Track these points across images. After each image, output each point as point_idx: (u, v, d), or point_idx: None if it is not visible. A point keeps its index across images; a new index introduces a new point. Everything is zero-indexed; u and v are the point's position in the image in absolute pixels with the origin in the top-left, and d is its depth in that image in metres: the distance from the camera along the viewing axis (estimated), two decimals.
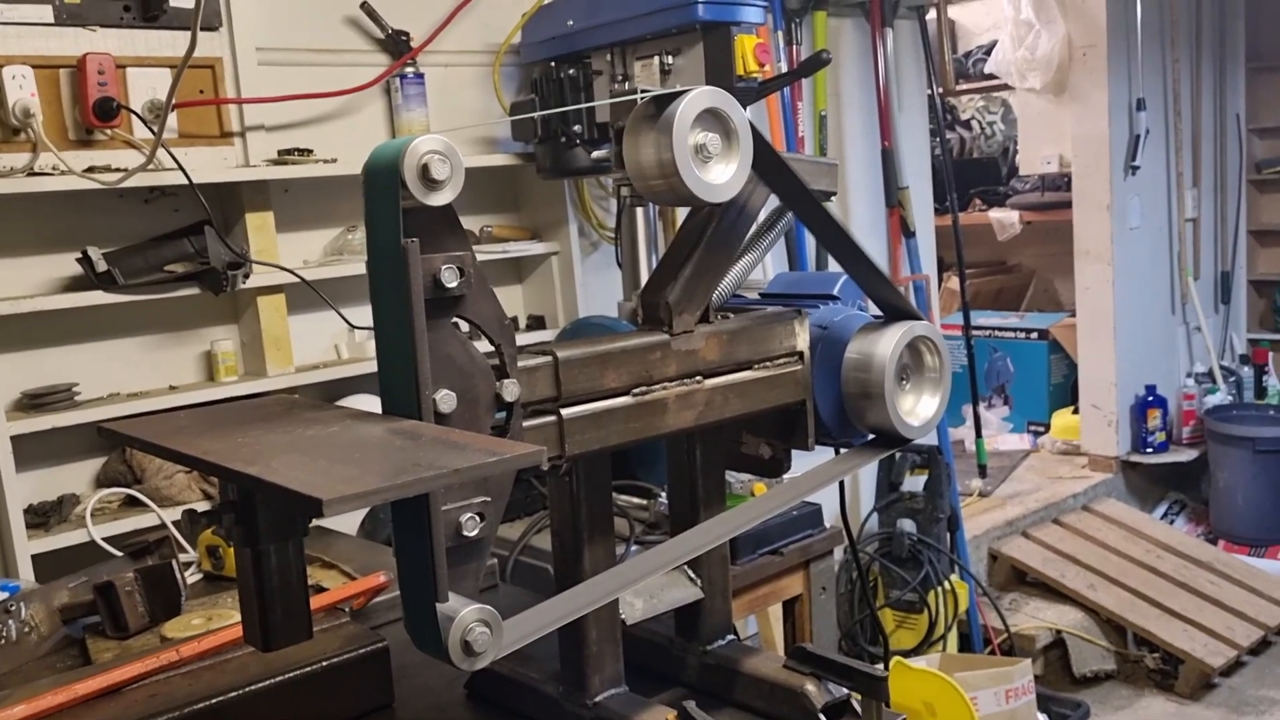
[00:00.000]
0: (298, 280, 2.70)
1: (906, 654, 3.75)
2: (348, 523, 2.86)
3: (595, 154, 1.73)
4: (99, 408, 2.49)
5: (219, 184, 2.61)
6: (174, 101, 2.50)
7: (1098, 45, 5.05)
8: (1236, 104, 5.80)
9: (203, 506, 1.04)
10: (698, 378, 1.43)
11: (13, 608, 1.90)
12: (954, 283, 5.98)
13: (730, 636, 1.61)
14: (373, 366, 2.83)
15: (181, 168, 2.35)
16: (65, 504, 2.48)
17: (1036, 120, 5.90)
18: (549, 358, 1.28)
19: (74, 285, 2.50)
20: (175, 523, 2.47)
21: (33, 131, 2.34)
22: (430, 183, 1.06)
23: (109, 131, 2.45)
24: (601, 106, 2.77)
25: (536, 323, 3.23)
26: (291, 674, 1.53)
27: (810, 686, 1.45)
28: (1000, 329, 6.04)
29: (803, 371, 1.55)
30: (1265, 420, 5.25)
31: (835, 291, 1.72)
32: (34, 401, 2.43)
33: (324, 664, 1.58)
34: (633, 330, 1.43)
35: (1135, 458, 5.28)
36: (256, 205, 2.67)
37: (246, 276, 2.58)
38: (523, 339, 3.19)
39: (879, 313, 1.66)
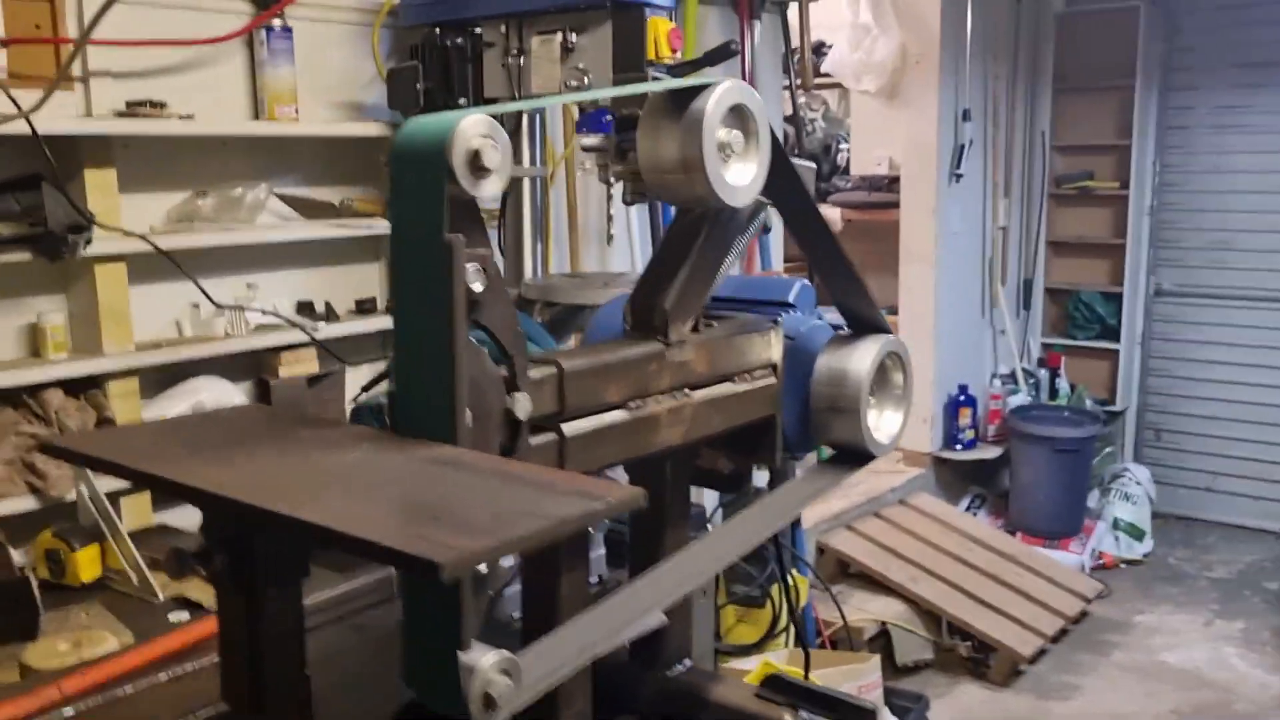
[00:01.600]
0: (140, 250, 2.41)
1: (748, 649, 3.77)
2: (188, 518, 2.59)
3: (587, 140, 1.59)
4: None
5: (55, 135, 2.28)
6: (4, 37, 2.18)
7: (930, 55, 5.22)
8: (1043, 121, 6.13)
9: (187, 539, 0.86)
10: (686, 390, 1.32)
11: None
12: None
13: (688, 661, 1.52)
14: (221, 348, 2.57)
15: (25, 115, 2.04)
16: None
17: (869, 122, 6.05)
18: (553, 369, 1.15)
19: None
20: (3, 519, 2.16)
21: None
22: (480, 171, 0.91)
23: None
24: (491, 80, 2.61)
25: None
26: (214, 713, 1.34)
27: (788, 718, 1.38)
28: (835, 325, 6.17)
29: (775, 385, 1.48)
30: (1063, 421, 5.59)
31: (791, 299, 1.65)
32: None
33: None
34: (624, 337, 1.31)
35: (946, 454, 5.52)
36: (98, 161, 2.36)
37: (88, 242, 2.27)
38: (384, 322, 2.99)
39: (837, 322, 1.61)
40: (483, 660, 0.92)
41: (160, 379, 2.59)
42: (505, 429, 1.07)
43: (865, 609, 4.45)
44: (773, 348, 1.47)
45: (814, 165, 1.61)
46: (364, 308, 2.99)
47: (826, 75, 5.84)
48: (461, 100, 2.62)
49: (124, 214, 2.44)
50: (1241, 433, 5.90)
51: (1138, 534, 5.57)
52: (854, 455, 1.53)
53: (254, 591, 0.87)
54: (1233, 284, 5.87)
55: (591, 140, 1.44)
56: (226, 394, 2.65)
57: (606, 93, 1.21)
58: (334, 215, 2.88)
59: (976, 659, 4.42)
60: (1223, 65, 5.79)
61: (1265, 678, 4.31)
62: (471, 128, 0.91)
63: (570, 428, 1.17)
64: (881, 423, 1.56)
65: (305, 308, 2.86)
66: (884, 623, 4.40)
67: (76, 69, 2.33)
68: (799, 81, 4.14)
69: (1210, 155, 5.89)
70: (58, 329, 2.38)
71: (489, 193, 0.93)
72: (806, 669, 1.90)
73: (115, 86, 2.40)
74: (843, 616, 4.17)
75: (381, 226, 2.94)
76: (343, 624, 1.90)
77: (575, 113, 2.56)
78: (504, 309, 1.07)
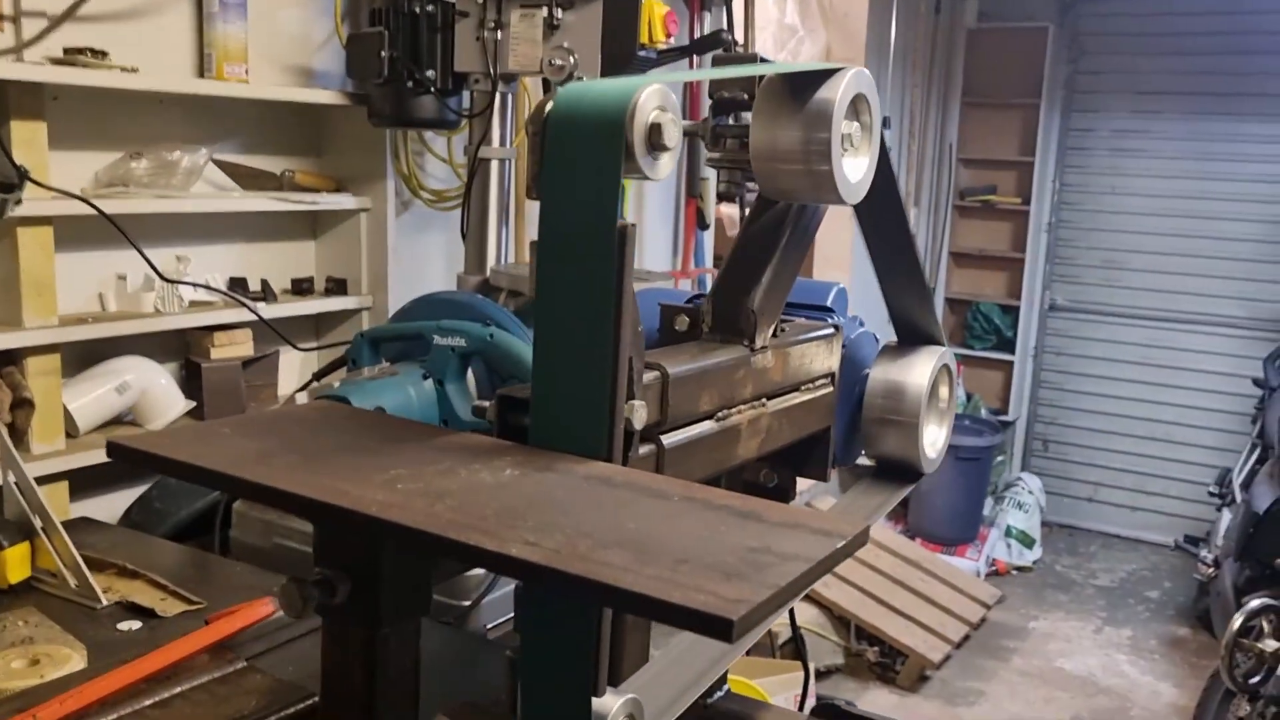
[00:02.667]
0: (68, 213, 2.18)
1: None
2: (107, 509, 2.37)
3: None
4: None
5: None
6: None
7: (856, 60, 5.23)
8: (951, 134, 6.23)
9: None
10: (763, 401, 1.23)
11: None
12: None
13: (726, 687, 1.43)
14: (152, 324, 2.35)
15: None
16: None
17: None
18: (657, 374, 1.04)
19: None
20: None
21: None
22: (658, 148, 0.80)
23: None
24: (462, 53, 2.45)
25: (338, 286, 2.83)
26: None
27: None
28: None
29: (833, 395, 1.39)
30: (965, 430, 5.69)
31: (829, 302, 1.57)
32: None
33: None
34: (711, 341, 1.20)
35: None
36: (27, 112, 2.11)
37: (19, 202, 2.04)
38: (321, 304, 2.80)
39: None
40: (611, 708, 0.81)
41: (79, 357, 2.36)
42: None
43: (779, 614, 4.43)
44: (834, 356, 1.38)
45: None
46: (301, 288, 2.79)
47: None
48: (430, 72, 2.46)
49: (51, 172, 2.20)
50: (1122, 445, 6.13)
51: (1028, 542, 5.72)
52: (900, 471, 1.46)
53: (379, 626, 0.74)
54: (1122, 302, 6.09)
55: (688, 124, 1.33)
56: (153, 375, 2.43)
57: (714, 73, 1.10)
58: (274, 187, 2.67)
59: (884, 664, 4.45)
60: (1123, 90, 5.99)
61: (1156, 685, 4.46)
62: (651, 99, 0.79)
63: (669, 439, 1.06)
64: (928, 437, 1.49)
65: (238, 284, 2.64)
66: (796, 628, 4.38)
67: (6, 6, 2.09)
68: None
69: (1108, 176, 6.09)
70: None
71: (663, 173, 0.81)
72: (806, 688, 1.82)
73: (50, 29, 2.16)
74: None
75: (328, 203, 2.75)
76: None
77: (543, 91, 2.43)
78: (631, 307, 0.95)
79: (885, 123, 4.31)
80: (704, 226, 3.87)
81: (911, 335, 1.48)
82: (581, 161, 0.79)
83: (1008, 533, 5.67)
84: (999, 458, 6.01)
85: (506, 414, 0.88)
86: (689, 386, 1.07)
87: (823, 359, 1.36)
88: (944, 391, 1.51)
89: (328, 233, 2.90)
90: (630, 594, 0.55)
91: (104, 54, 2.18)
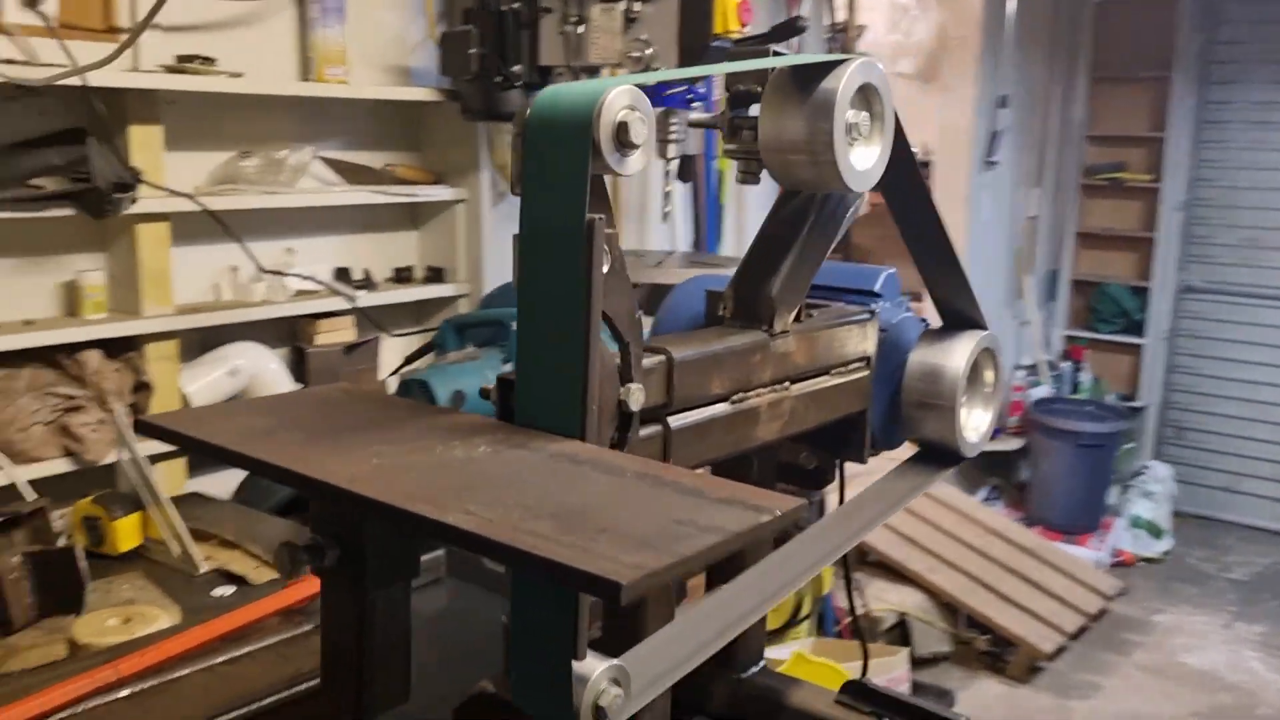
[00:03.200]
0: (183, 209, 2.34)
1: (769, 637, 3.72)
2: (222, 485, 2.54)
3: (695, 116, 1.52)
4: None
5: (102, 88, 2.21)
6: None
7: (970, 38, 5.13)
8: (1077, 110, 6.04)
9: (298, 537, 0.80)
10: (786, 384, 1.26)
11: None
12: None
13: (762, 662, 1.47)
14: (260, 313, 2.51)
15: (79, 71, 1.96)
16: None
17: (902, 105, 5.96)
18: (662, 357, 1.08)
19: None
20: (33, 483, 2.10)
21: None
22: (626, 146, 0.85)
23: None
24: (548, 48, 2.53)
25: (435, 275, 2.95)
26: (271, 700, 1.28)
27: None
28: None
29: (868, 378, 1.41)
30: (1086, 415, 5.54)
31: (878, 287, 1.59)
32: None
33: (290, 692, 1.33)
34: (731, 326, 1.24)
35: None
36: (144, 117, 2.28)
37: (134, 201, 2.20)
38: (420, 291, 2.92)
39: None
40: (596, 673, 0.86)
41: (197, 343, 2.53)
42: (616, 421, 1.01)
43: (884, 598, 4.40)
44: (868, 340, 1.40)
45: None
46: (401, 276, 2.92)
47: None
48: (516, 68, 2.55)
49: (167, 172, 2.37)
50: (1265, 434, 5.85)
51: (1156, 532, 5.53)
52: (941, 455, 1.47)
53: (365, 591, 0.82)
54: (1264, 283, 5.80)
55: (702, 116, 1.37)
56: (263, 360, 2.59)
57: (727, 67, 1.14)
58: (375, 181, 2.80)
59: (994, 653, 4.38)
60: (1264, 61, 5.70)
61: None
62: (619, 98, 0.84)
63: (676, 421, 1.10)
64: (971, 421, 1.50)
65: (342, 274, 2.79)
66: (902, 613, 4.36)
67: (125, 20, 2.26)
68: None
69: (1247, 151, 5.81)
70: (96, 288, 2.32)
71: (632, 169, 0.86)
72: (865, 667, 1.84)
73: (163, 40, 2.32)
74: (852, 605, 4.13)
75: (425, 194, 2.87)
76: None
77: None
78: (624, 294, 1.00)
79: (1002, 101, 4.23)
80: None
81: (954, 319, 1.49)
82: (553, 160, 0.85)
83: (1134, 522, 5.50)
84: (1126, 445, 5.81)
85: (505, 396, 0.95)
86: (697, 370, 1.12)
87: (855, 343, 1.38)
88: (988, 375, 1.51)
89: (427, 223, 3.02)
90: (540, 559, 0.61)
91: (212, 61, 2.33)
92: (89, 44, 2.21)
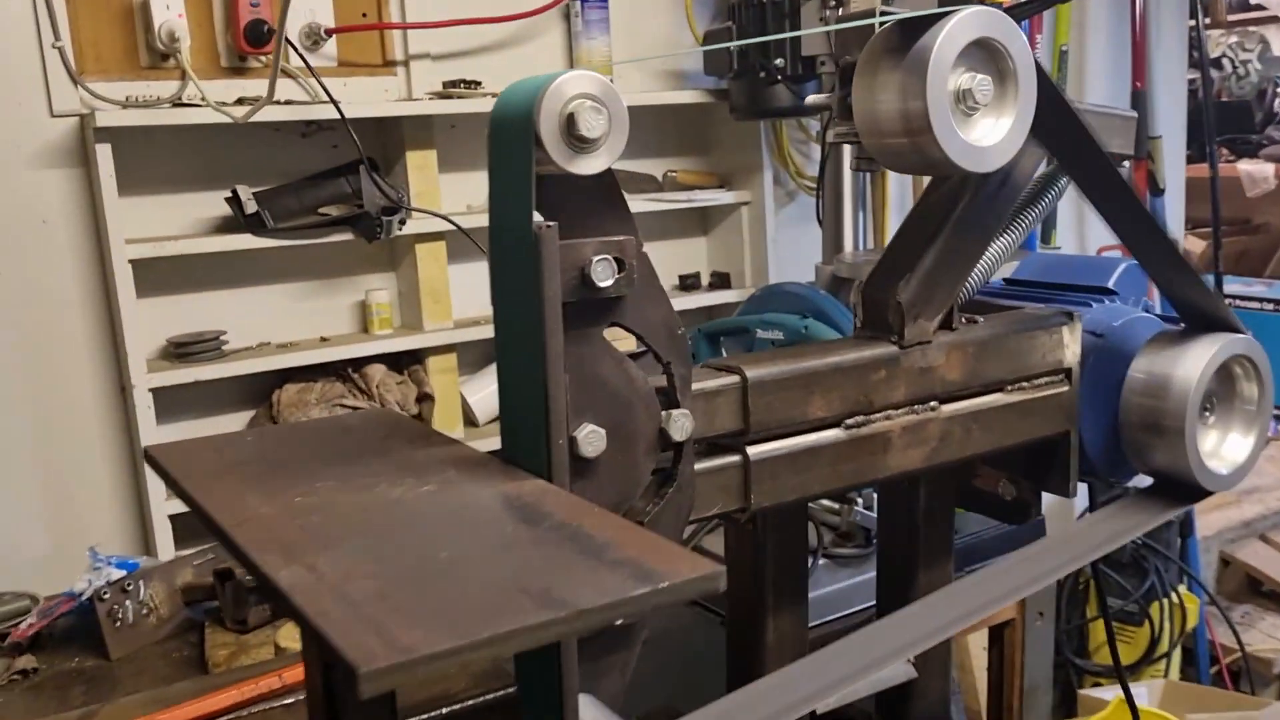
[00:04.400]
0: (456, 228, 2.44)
1: (1120, 672, 3.29)
2: None
3: (812, 98, 1.38)
4: (247, 359, 2.31)
5: (379, 118, 2.36)
6: (333, 26, 2.26)
7: None
8: None
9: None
10: (932, 404, 1.07)
11: (130, 587, 1.72)
12: (1191, 243, 5.32)
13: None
14: None
15: (332, 100, 2.10)
16: None
17: None
18: (734, 378, 0.95)
19: (225, 226, 2.30)
20: None
21: (179, 58, 2.13)
22: (578, 142, 0.73)
23: (263, 59, 2.22)
24: (809, 37, 2.38)
25: (721, 281, 2.88)
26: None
27: None
28: (1242, 298, 5.32)
29: (1068, 394, 1.17)
30: None
31: (1111, 284, 1.32)
32: (180, 350, 2.26)
33: (489, 697, 1.32)
34: (842, 339, 1.08)
35: None
36: (418, 142, 2.41)
37: (403, 223, 2.33)
38: (706, 298, 2.87)
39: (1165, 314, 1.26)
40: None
41: (480, 354, 2.63)
42: (658, 453, 0.89)
43: (1278, 636, 3.76)
44: (1064, 348, 1.16)
45: (1133, 114, 1.26)
46: (687, 284, 2.88)
47: (1260, 8, 4.99)
48: (779, 60, 2.43)
49: (446, 193, 2.48)
50: None
51: None
52: (1180, 488, 1.19)
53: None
54: None
55: (815, 98, 1.21)
56: None
57: (818, 29, 0.98)
58: (655, 188, 2.78)
59: None
60: None
61: None
62: (569, 85, 0.73)
63: (758, 450, 0.96)
64: (1223, 448, 1.20)
65: None
66: None
67: (398, 53, 2.39)
68: (1207, 19, 3.51)
69: None
70: (384, 306, 2.47)
71: (593, 167, 0.75)
72: None
73: (434, 68, 2.44)
74: (1238, 641, 3.56)
75: (705, 199, 2.81)
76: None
77: None
78: (655, 306, 0.88)
79: None
80: (1158, 192, 3.39)
81: (1194, 319, 1.20)
82: (502, 158, 0.75)
83: None
84: None
85: None
86: (786, 391, 0.97)
87: (1043, 352, 1.15)
88: (1248, 390, 1.21)
89: (716, 228, 2.96)
90: (313, 627, 0.52)
91: (477, 83, 2.41)
92: (367, 79, 2.37)
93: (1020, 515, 1.26)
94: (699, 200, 2.78)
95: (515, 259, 0.74)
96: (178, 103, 2.14)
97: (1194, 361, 1.15)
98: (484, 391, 2.61)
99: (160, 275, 2.25)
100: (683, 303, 2.82)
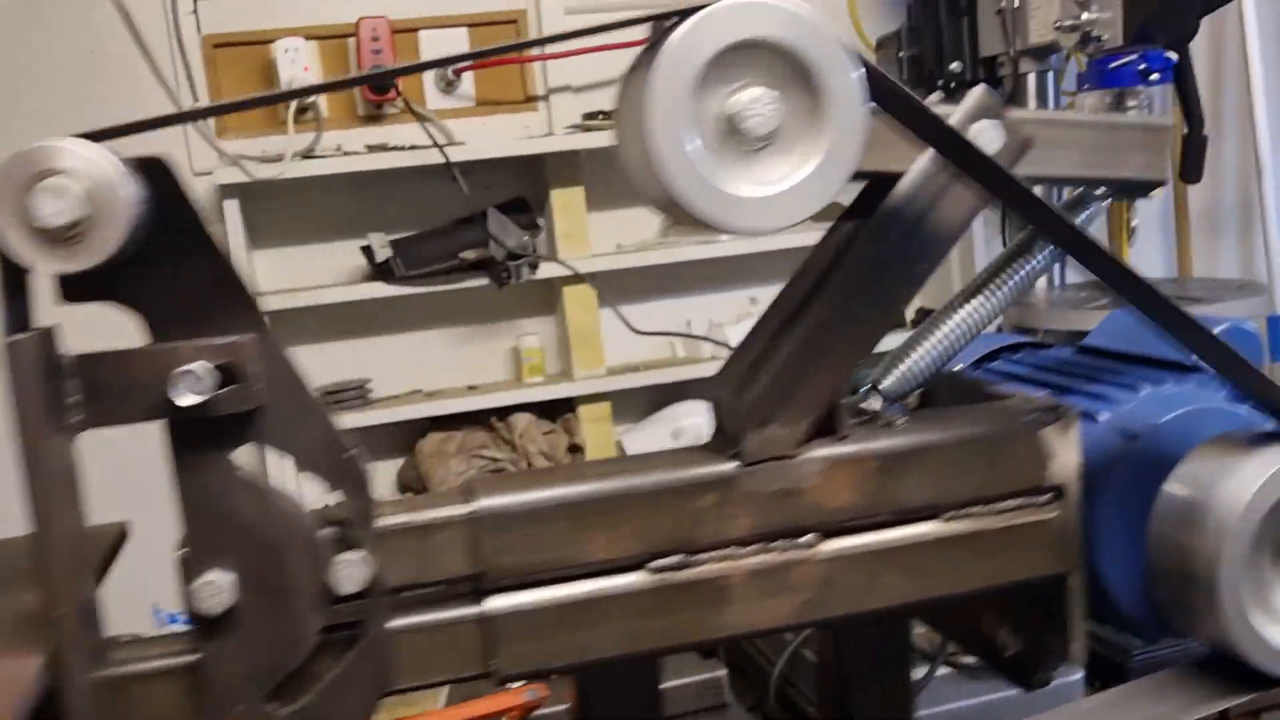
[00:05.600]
0: (614, 268, 2.30)
1: None
2: None
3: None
4: (394, 406, 2.29)
5: (522, 157, 2.26)
6: (463, 66, 2.20)
7: None
8: None
9: None
10: (806, 538, 0.78)
11: None
12: None
13: None
14: (694, 371, 2.36)
15: (448, 139, 2.02)
16: None
17: None
18: (459, 507, 0.72)
19: (370, 274, 2.30)
20: None
21: (314, 110, 2.15)
22: (46, 233, 0.56)
23: (398, 104, 2.19)
24: (991, 33, 2.02)
25: (923, 316, 2.53)
26: None
27: None
28: None
29: (1059, 521, 0.83)
30: None
31: (1192, 359, 0.94)
32: (326, 398, 2.27)
33: None
34: (658, 453, 0.82)
35: None
36: (563, 179, 2.29)
37: (534, 267, 2.21)
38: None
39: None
40: None
41: (641, 404, 2.47)
42: (329, 606, 0.69)
43: None
44: (1050, 457, 0.82)
45: (1166, 123, 0.88)
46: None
47: None
48: (954, 65, 2.08)
49: (592, 231, 2.35)
50: None
51: None
52: (1237, 667, 0.81)
53: None
54: None
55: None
56: (701, 421, 2.43)
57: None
58: (833, 213, 2.48)
59: None
60: None
61: None
62: (35, 160, 0.56)
63: (504, 602, 0.73)
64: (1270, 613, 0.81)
65: None
66: None
67: (539, 88, 2.29)
68: None
69: None
70: (534, 352, 2.37)
71: (70, 267, 0.57)
72: None
73: (575, 101, 2.31)
74: None
75: None
76: None
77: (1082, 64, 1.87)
78: (306, 422, 0.68)
79: None
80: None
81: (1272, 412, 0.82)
82: None
83: None
84: None
85: None
86: (542, 524, 0.73)
87: (1018, 463, 0.82)
88: None
89: None
90: None
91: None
92: (508, 116, 2.28)
93: (1021, 676, 0.91)
94: None
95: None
96: (308, 154, 2.15)
97: (1250, 477, 0.78)
98: (645, 442, 2.44)
99: (307, 323, 2.28)
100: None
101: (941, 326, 0.89)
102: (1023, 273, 0.90)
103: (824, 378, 0.78)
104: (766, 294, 2.45)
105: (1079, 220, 0.91)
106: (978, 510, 0.82)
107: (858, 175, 0.82)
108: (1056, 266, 2.08)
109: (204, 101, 2.11)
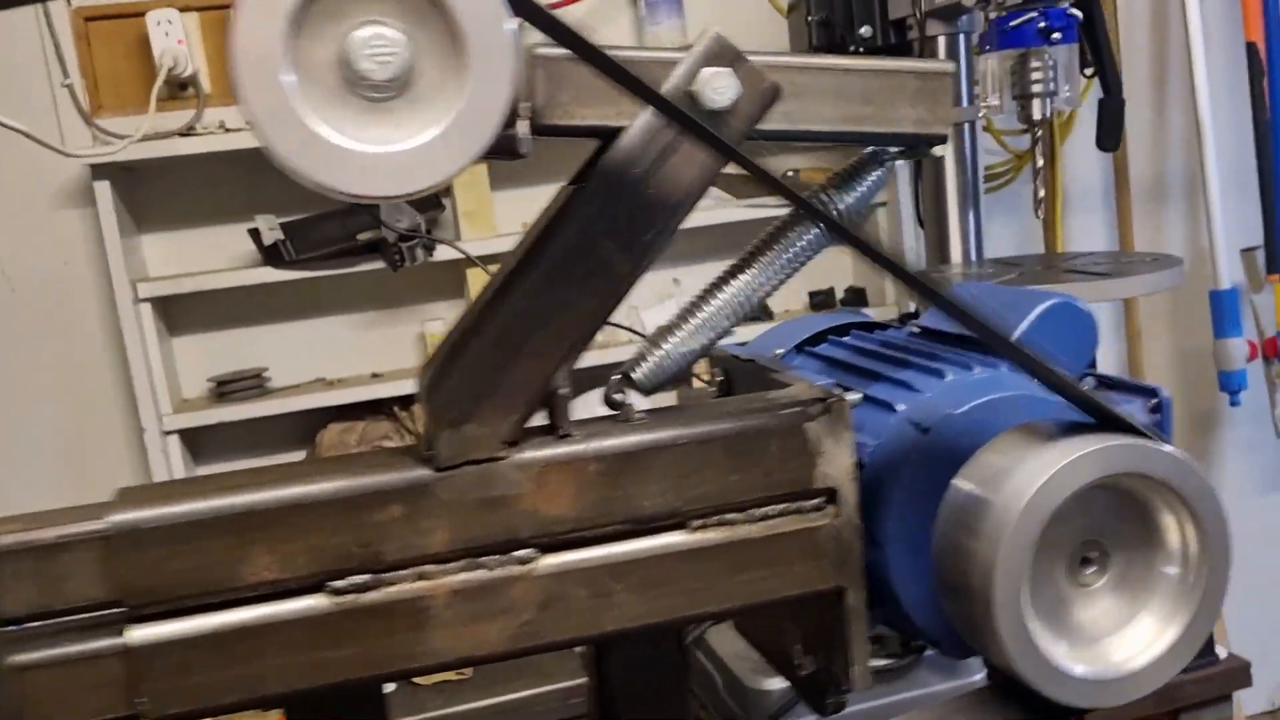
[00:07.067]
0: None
1: None
2: None
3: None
4: (293, 396, 2.19)
5: None
6: None
7: None
8: None
9: None
10: (526, 552, 0.68)
11: None
12: None
13: None
14: (622, 354, 2.26)
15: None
16: None
17: None
18: (88, 524, 0.62)
19: (261, 259, 2.19)
20: None
21: (195, 85, 2.04)
22: None
23: None
24: None
25: (856, 297, 2.42)
26: None
27: None
28: None
29: (831, 530, 0.73)
30: None
31: (1021, 330, 0.84)
32: (222, 389, 2.17)
33: None
34: (346, 456, 0.71)
35: None
36: None
37: (430, 249, 2.11)
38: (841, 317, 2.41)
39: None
40: None
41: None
42: None
43: None
44: (819, 455, 0.72)
45: (948, 67, 0.76)
46: (817, 301, 2.46)
47: None
48: (864, 29, 1.96)
49: (498, 211, 2.24)
50: None
51: None
52: (1034, 694, 0.70)
53: None
54: None
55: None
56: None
57: None
58: (775, 191, 2.37)
59: None
60: None
61: None
62: None
63: (149, 632, 0.63)
64: (1125, 637, 0.70)
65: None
66: None
67: None
68: None
69: None
70: (436, 338, 2.26)
71: None
72: None
73: None
74: None
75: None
76: None
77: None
78: None
79: None
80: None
81: (1097, 413, 0.72)
82: None
83: None
84: None
85: None
86: (191, 541, 0.63)
87: (779, 463, 0.71)
88: (1169, 538, 0.70)
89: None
90: None
91: None
92: None
93: (817, 699, 0.81)
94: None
95: None
96: (185, 132, 2.04)
97: (1034, 470, 0.67)
98: None
99: (199, 311, 2.18)
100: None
101: (705, 307, 0.79)
102: (799, 245, 0.79)
103: (531, 367, 0.67)
104: (691, 274, 2.36)
105: (864, 187, 0.80)
106: (732, 518, 0.71)
107: (579, 131, 0.72)
108: (974, 241, 1.96)
109: (75, 79, 2.00)
